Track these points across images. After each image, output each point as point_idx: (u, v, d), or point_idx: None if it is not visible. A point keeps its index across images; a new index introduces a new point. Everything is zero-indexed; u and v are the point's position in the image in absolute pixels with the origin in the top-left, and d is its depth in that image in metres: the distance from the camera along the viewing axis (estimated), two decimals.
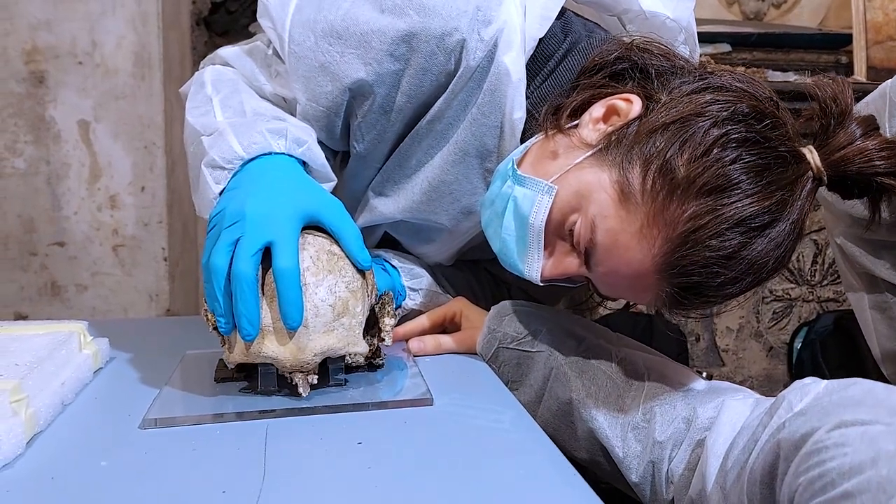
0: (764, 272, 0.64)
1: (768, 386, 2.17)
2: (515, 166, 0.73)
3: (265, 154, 0.72)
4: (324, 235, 0.68)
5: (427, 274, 0.94)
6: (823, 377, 0.54)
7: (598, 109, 0.71)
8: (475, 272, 1.02)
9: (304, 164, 0.75)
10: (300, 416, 0.63)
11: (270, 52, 0.83)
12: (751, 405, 0.62)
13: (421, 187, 0.83)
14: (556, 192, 0.68)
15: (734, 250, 0.62)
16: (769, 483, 0.50)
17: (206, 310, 0.69)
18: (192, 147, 0.76)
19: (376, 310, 0.73)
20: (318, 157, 0.76)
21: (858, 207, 0.94)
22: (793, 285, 2.10)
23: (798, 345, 2.12)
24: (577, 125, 0.71)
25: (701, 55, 2.25)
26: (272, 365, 0.66)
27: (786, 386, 0.56)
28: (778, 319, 2.13)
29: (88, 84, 1.78)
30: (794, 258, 2.03)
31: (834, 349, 2.06)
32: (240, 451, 0.56)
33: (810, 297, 2.12)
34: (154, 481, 0.51)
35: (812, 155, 0.66)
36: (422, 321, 0.86)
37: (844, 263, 1.07)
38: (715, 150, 0.63)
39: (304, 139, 0.74)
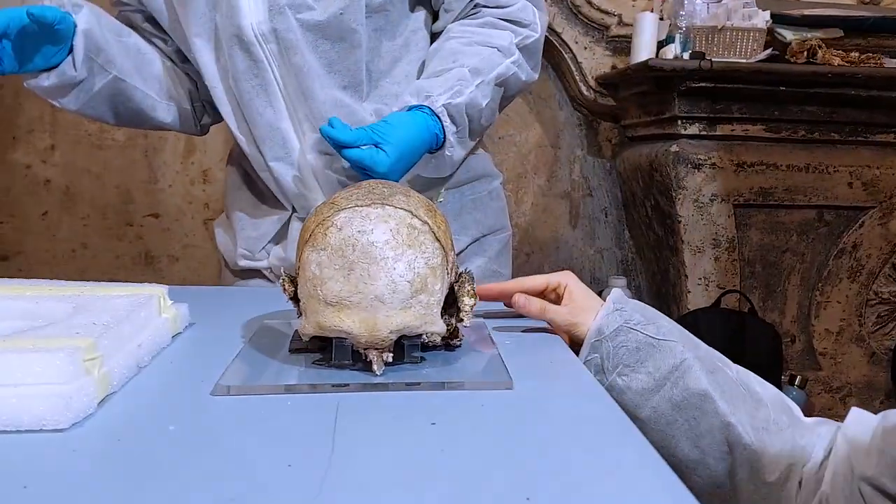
0: None
1: (867, 394, 2.02)
2: None
3: None
4: (405, 208, 0.65)
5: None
6: None
7: None
8: None
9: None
10: (373, 392, 0.60)
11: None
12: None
13: None
14: None
15: None
16: None
17: (283, 279, 0.68)
18: None
19: (455, 288, 0.70)
20: None
21: None
22: None
23: None
24: None
25: (810, 39, 2.13)
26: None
27: (888, 395, 0.54)
28: (883, 323, 1.99)
29: None
30: None
31: None
32: (309, 424, 0.54)
33: None
34: (220, 449, 0.49)
35: None
36: (522, 282, 0.83)
37: None
38: None
39: None
